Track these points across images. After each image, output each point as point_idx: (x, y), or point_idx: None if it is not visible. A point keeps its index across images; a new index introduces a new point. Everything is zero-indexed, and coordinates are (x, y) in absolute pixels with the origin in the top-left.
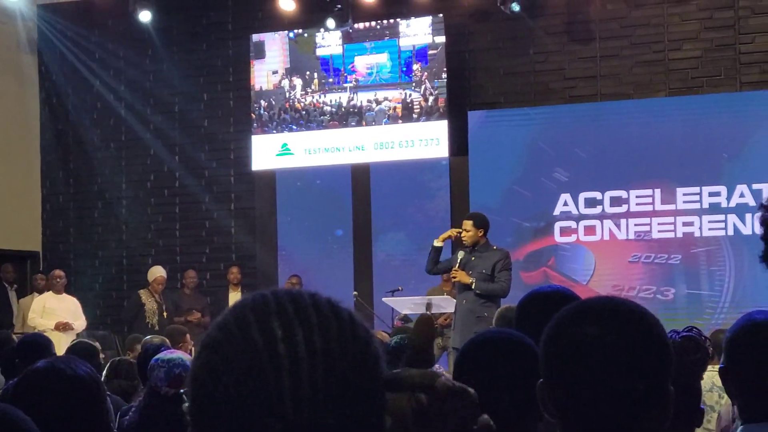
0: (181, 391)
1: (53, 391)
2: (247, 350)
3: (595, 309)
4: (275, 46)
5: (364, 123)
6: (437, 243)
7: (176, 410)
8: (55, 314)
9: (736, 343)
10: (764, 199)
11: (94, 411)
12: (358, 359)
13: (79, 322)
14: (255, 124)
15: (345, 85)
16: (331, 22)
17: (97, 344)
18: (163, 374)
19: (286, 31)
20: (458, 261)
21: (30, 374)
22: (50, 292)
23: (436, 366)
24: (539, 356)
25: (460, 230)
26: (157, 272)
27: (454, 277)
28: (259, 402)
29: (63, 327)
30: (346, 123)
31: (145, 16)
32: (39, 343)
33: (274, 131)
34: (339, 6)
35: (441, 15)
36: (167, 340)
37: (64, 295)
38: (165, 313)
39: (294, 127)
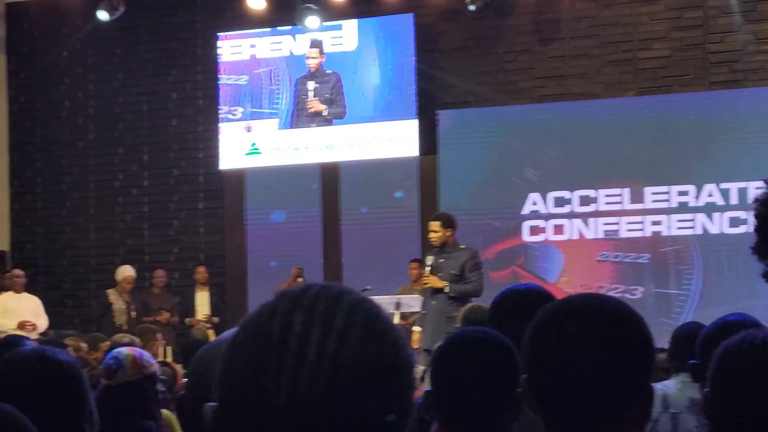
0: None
1: (40, 374)
2: (262, 334)
3: (578, 307)
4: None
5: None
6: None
7: (106, 401)
8: (16, 314)
9: (731, 366)
10: (758, 194)
11: (79, 397)
12: (367, 375)
13: (41, 321)
14: (220, 106)
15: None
16: (311, 20)
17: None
18: (103, 366)
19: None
20: (428, 266)
21: (16, 357)
22: (10, 291)
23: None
24: (523, 353)
25: None
26: (126, 272)
27: (426, 284)
28: (257, 387)
29: (27, 327)
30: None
31: (103, 15)
32: (12, 343)
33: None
34: (310, 5)
35: (412, 14)
36: (136, 340)
37: (24, 294)
38: (133, 313)
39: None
